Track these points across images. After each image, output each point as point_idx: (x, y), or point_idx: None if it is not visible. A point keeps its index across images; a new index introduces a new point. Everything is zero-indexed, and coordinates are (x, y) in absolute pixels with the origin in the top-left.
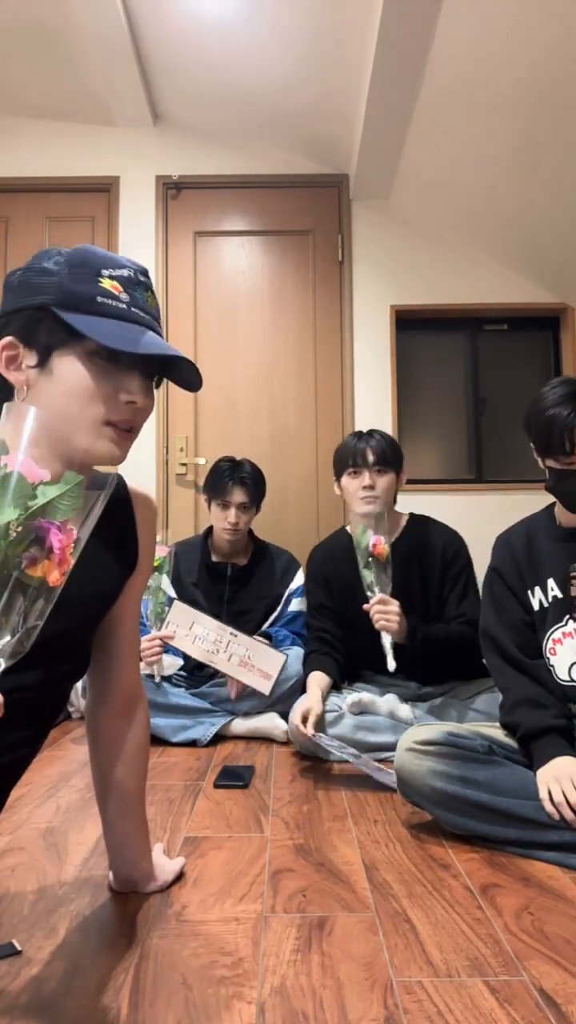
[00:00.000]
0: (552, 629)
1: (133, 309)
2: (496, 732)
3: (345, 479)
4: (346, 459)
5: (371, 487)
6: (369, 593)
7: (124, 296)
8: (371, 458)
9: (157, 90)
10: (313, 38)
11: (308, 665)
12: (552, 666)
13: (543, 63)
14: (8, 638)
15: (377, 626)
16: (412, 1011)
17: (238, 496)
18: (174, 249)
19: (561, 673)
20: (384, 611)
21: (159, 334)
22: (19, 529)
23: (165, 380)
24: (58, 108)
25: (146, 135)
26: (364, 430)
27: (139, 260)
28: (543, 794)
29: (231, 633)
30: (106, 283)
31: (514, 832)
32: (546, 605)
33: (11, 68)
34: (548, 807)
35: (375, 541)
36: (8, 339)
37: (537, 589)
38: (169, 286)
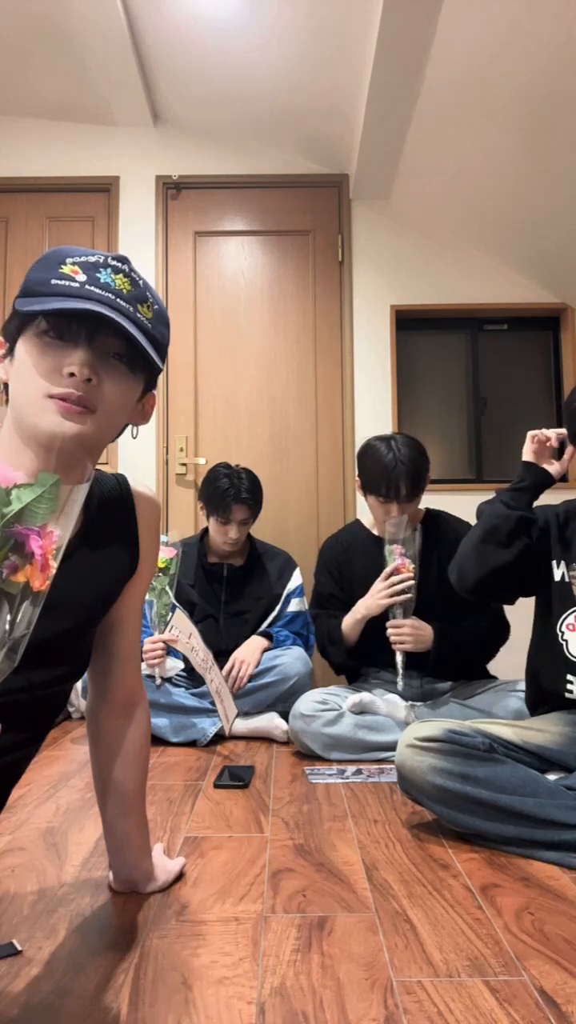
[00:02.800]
0: (573, 609)
1: (88, 287)
2: (497, 729)
3: (372, 499)
4: (379, 485)
5: (400, 514)
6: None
7: (81, 277)
8: (403, 492)
9: (157, 90)
10: (313, 38)
11: (328, 625)
12: (566, 641)
13: (543, 63)
14: None
15: (394, 646)
16: (412, 1011)
17: (239, 514)
18: (174, 249)
19: (574, 650)
20: (397, 633)
21: (123, 312)
22: None
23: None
24: (58, 108)
25: (146, 135)
26: (393, 442)
27: (139, 260)
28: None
29: (212, 663)
30: (66, 268)
31: (514, 829)
32: (568, 580)
33: (11, 68)
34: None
35: (400, 564)
36: None
37: (562, 563)
38: (169, 286)
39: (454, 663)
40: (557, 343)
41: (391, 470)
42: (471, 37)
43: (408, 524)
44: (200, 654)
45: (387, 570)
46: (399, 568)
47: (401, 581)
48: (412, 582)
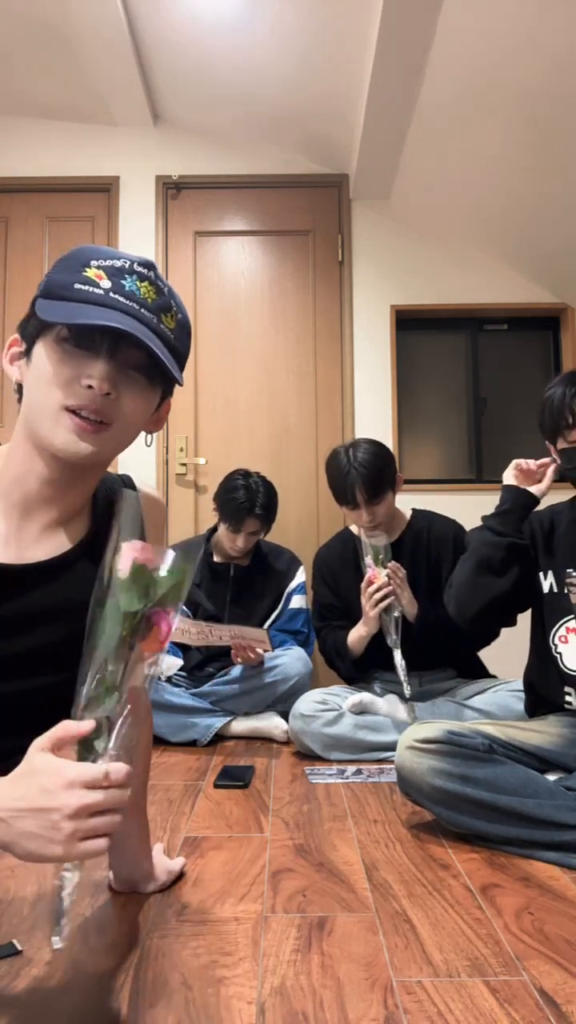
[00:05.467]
0: (566, 619)
1: (112, 295)
2: (496, 730)
3: (344, 509)
4: (340, 495)
5: (371, 519)
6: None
7: (105, 283)
8: (361, 497)
9: (157, 90)
10: (313, 38)
11: (333, 638)
12: (560, 654)
13: (544, 63)
14: (117, 703)
15: (385, 601)
16: (412, 1011)
17: (250, 527)
18: (174, 249)
19: (568, 663)
20: (382, 586)
21: (145, 322)
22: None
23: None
24: (58, 108)
25: (146, 135)
26: (349, 448)
27: None
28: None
29: (207, 625)
30: (90, 272)
31: (514, 830)
32: (556, 591)
33: (11, 68)
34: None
35: (372, 574)
36: (15, 336)
37: (550, 573)
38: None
39: (443, 644)
40: (557, 343)
41: (344, 477)
42: (471, 37)
43: (380, 534)
44: (194, 629)
45: (363, 584)
46: (371, 579)
47: (378, 590)
48: (389, 586)
